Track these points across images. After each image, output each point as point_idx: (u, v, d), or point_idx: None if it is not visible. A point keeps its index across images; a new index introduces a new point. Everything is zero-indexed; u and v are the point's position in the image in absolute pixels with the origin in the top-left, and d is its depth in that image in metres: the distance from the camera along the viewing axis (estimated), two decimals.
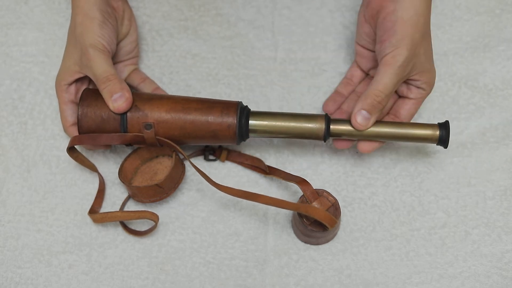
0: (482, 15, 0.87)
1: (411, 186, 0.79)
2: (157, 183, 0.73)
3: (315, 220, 0.72)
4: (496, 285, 0.74)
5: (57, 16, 0.88)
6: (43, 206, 0.78)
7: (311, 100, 0.83)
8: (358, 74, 0.82)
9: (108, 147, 0.79)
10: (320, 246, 0.76)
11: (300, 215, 0.73)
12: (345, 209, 0.78)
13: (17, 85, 0.84)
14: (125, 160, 0.77)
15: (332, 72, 0.85)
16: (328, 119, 0.73)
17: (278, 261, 0.76)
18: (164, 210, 0.78)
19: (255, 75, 0.85)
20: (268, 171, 0.78)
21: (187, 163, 0.79)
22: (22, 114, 0.83)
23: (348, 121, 0.73)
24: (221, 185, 0.73)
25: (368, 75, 0.81)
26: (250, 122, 0.73)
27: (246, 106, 0.75)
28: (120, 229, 0.77)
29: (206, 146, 0.81)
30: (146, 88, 0.81)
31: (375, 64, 0.79)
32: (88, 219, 0.77)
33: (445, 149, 0.80)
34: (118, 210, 0.78)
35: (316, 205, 0.71)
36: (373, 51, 0.78)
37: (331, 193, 0.75)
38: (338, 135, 0.73)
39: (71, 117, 0.76)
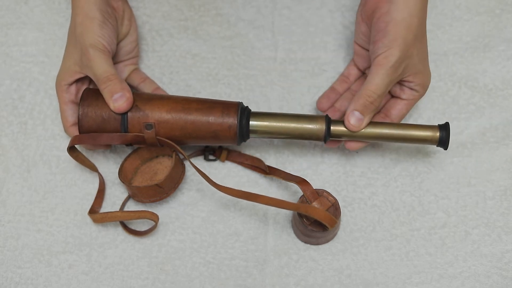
0: (482, 15, 0.87)
1: (411, 186, 0.79)
2: (157, 183, 0.73)
3: (315, 220, 0.72)
4: (496, 285, 0.74)
5: (57, 16, 0.88)
6: (43, 206, 0.78)
7: (311, 100, 0.83)
8: (354, 72, 0.82)
9: (108, 147, 0.79)
10: (320, 246, 0.76)
11: (300, 215, 0.73)
12: (345, 209, 0.78)
13: (17, 85, 0.84)
14: (125, 160, 0.77)
15: (332, 72, 0.85)
16: (328, 120, 0.73)
17: (278, 261, 0.76)
18: (164, 210, 0.78)
19: (255, 75, 0.85)
20: (268, 171, 0.78)
21: (187, 163, 0.79)
22: (22, 114, 0.83)
23: None
24: (221, 185, 0.73)
25: (364, 74, 0.82)
26: (251, 122, 0.73)
27: (247, 106, 0.75)
28: (120, 229, 0.77)
29: (206, 146, 0.81)
30: (146, 88, 0.81)
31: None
32: (88, 219, 0.77)
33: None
34: (118, 210, 0.78)
35: (316, 205, 0.72)
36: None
37: (331, 193, 0.75)
38: (339, 136, 0.73)
39: (71, 117, 0.76)
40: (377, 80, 0.71)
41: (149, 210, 0.76)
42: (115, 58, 0.79)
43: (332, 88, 0.82)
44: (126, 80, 0.82)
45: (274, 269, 0.75)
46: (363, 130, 0.73)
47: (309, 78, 0.85)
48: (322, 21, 0.87)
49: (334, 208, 0.72)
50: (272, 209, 0.78)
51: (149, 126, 0.72)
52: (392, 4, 0.71)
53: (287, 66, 0.85)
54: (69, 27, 0.77)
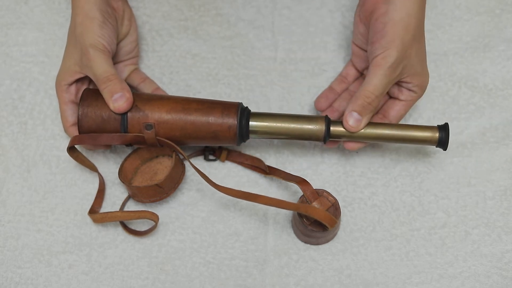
0: (482, 15, 0.87)
1: (411, 186, 0.79)
2: (157, 183, 0.73)
3: (315, 220, 0.72)
4: (496, 285, 0.74)
5: (57, 16, 0.88)
6: (43, 206, 0.78)
7: (311, 100, 0.83)
8: (352, 73, 0.82)
9: (108, 147, 0.79)
10: (320, 246, 0.76)
11: (300, 215, 0.73)
12: (345, 209, 0.78)
13: (17, 85, 0.84)
14: (125, 160, 0.77)
15: (332, 72, 0.85)
16: (328, 121, 0.73)
17: (278, 261, 0.76)
18: (164, 210, 0.78)
19: (255, 75, 0.85)
20: (268, 171, 0.78)
21: (187, 163, 0.79)
22: (22, 114, 0.83)
23: None
24: (220, 186, 0.73)
25: (362, 75, 0.82)
26: (251, 123, 0.73)
27: (247, 107, 0.75)
28: (120, 229, 0.77)
29: (206, 146, 0.81)
30: (146, 88, 0.81)
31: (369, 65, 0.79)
32: (88, 219, 0.77)
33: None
34: (118, 210, 0.78)
35: (316, 205, 0.72)
36: None
37: (331, 193, 0.75)
38: (338, 137, 0.73)
39: (71, 117, 0.76)
40: (375, 81, 0.70)
41: (149, 210, 0.76)
42: (115, 58, 0.79)
43: (330, 88, 0.82)
44: (126, 80, 0.82)
45: (274, 269, 0.75)
46: (362, 130, 0.73)
47: (309, 78, 0.85)
48: (322, 21, 0.87)
49: (334, 208, 0.72)
50: (272, 209, 0.78)
51: (149, 126, 0.72)
52: (390, 4, 0.71)
53: (287, 66, 0.85)
54: (69, 27, 0.77)
